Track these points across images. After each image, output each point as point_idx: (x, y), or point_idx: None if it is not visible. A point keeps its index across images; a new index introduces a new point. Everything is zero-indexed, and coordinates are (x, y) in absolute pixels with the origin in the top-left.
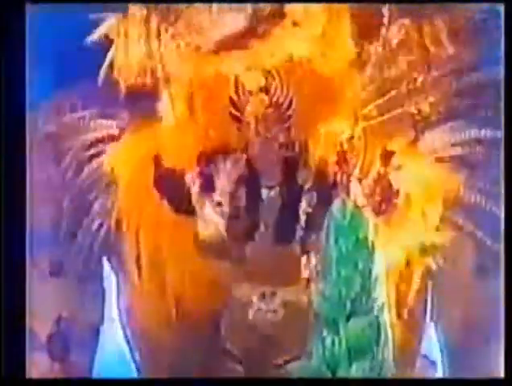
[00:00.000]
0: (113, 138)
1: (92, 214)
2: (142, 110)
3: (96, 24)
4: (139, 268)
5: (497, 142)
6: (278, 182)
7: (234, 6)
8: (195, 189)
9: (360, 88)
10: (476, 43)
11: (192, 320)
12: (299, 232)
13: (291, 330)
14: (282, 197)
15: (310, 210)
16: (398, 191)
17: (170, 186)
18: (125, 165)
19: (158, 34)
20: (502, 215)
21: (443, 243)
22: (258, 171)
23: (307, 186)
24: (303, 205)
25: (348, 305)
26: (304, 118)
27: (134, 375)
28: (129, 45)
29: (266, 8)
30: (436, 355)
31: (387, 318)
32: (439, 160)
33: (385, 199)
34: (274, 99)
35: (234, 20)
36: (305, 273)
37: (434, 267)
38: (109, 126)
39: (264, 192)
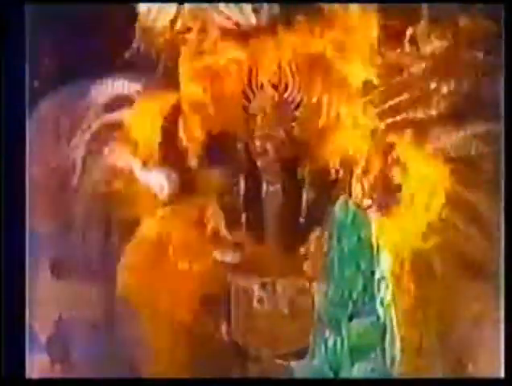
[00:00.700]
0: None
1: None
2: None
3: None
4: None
5: (498, 140)
6: (279, 178)
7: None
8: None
9: (372, 90)
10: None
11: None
12: (301, 228)
13: (293, 323)
14: (283, 193)
15: (310, 207)
16: (399, 186)
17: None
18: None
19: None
20: (502, 217)
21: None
22: (259, 166)
23: (307, 184)
24: (304, 202)
25: (351, 305)
26: (310, 120)
27: None
28: None
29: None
30: None
31: (392, 318)
32: (442, 158)
33: (387, 193)
34: (285, 96)
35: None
36: (307, 271)
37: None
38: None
39: (264, 187)
